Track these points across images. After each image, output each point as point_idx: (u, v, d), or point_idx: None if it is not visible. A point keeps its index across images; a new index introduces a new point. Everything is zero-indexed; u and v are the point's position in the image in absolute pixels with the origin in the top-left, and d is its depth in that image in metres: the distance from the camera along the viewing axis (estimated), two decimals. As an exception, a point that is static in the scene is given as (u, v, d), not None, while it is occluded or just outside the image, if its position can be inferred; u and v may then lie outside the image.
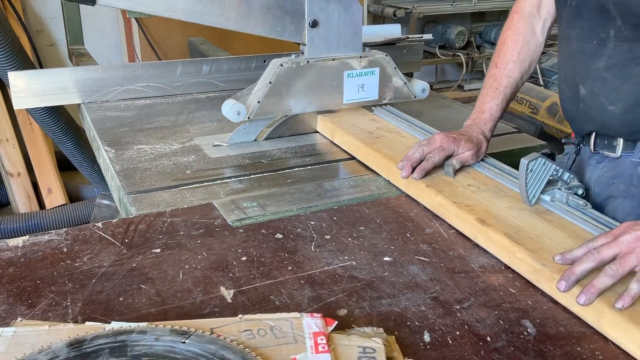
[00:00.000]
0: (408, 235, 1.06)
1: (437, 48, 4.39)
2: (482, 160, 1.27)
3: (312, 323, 0.77)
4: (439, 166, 1.21)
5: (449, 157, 1.22)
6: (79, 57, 2.28)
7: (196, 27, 3.52)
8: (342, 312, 0.84)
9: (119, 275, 0.92)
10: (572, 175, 1.10)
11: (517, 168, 1.11)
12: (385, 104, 1.59)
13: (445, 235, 1.06)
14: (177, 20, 3.46)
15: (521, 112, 3.77)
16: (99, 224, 1.07)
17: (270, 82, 1.41)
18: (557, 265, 0.89)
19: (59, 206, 2.98)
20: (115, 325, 0.75)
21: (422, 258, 0.98)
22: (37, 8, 3.44)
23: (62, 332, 0.75)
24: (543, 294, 0.90)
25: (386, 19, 4.04)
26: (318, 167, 1.36)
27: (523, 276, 0.93)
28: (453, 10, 4.34)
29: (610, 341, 0.80)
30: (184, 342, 0.72)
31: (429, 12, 4.23)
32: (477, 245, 1.02)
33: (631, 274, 0.84)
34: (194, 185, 1.23)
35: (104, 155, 1.39)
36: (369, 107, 1.58)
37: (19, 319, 0.80)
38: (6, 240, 0.99)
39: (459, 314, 0.84)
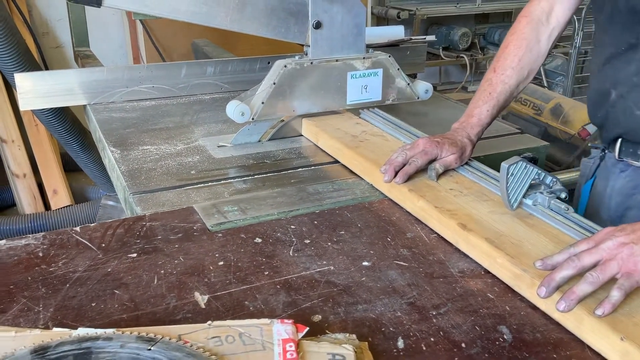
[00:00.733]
0: (389, 239, 1.05)
1: (440, 49, 4.40)
2: (467, 163, 1.26)
3: (282, 329, 0.76)
4: (422, 170, 1.21)
5: (432, 161, 1.21)
6: (84, 59, 2.30)
7: (201, 28, 3.54)
8: (317, 317, 0.84)
9: (93, 280, 0.91)
10: (554, 179, 1.08)
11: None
12: (385, 105, 1.60)
13: (426, 239, 1.05)
14: (182, 22, 3.48)
15: (525, 113, 3.77)
16: (77, 228, 1.05)
17: (274, 83, 1.42)
18: (537, 270, 0.88)
19: (64, 207, 3.00)
20: (82, 331, 0.75)
21: (401, 263, 0.98)
22: (43, 10, 3.46)
23: (28, 339, 0.74)
24: (522, 299, 0.89)
25: (390, 20, 4.05)
26: (322, 166, 1.37)
27: (502, 281, 0.93)
28: (457, 12, 4.34)
29: (588, 347, 0.79)
30: (149, 350, 0.72)
31: (433, 14, 4.24)
32: (457, 250, 1.02)
33: (612, 280, 0.82)
34: (199, 185, 1.24)
35: (109, 156, 1.40)
36: (355, 110, 1.57)
37: None
38: None
39: (434, 320, 0.84)
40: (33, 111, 2.18)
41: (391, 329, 0.82)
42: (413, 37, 2.09)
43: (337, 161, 1.39)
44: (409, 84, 1.59)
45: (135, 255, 0.98)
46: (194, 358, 0.71)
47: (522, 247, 0.96)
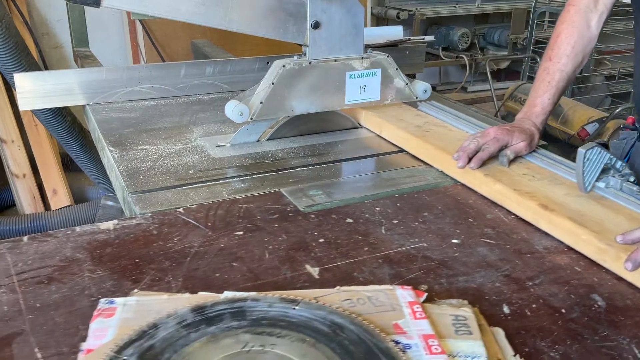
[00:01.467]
0: (471, 220, 1.13)
1: (440, 50, 4.40)
2: (534, 151, 1.33)
3: (405, 294, 0.84)
4: (493, 157, 1.28)
5: (503, 148, 1.28)
6: (84, 59, 2.30)
7: (200, 29, 3.54)
8: (423, 287, 0.90)
9: (210, 254, 0.99)
10: (623, 164, 1.16)
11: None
12: (423, 101, 1.62)
13: (505, 220, 1.13)
14: (182, 23, 3.50)
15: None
16: (181, 209, 1.13)
17: (272, 83, 1.43)
18: (621, 245, 0.97)
19: (64, 207, 3.00)
20: (229, 294, 0.83)
21: (488, 240, 1.06)
22: (43, 11, 3.46)
23: (181, 301, 0.81)
24: (607, 271, 0.97)
25: (389, 21, 4.05)
26: (322, 166, 1.37)
27: (586, 256, 1.01)
28: (456, 12, 4.35)
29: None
30: (295, 309, 0.79)
31: (432, 14, 4.24)
32: (537, 229, 1.09)
33: None
34: (197, 185, 1.25)
35: (108, 156, 1.41)
36: (413, 103, 1.63)
37: (136, 290, 0.87)
38: (97, 224, 1.07)
39: (532, 290, 0.91)
40: (32, 111, 2.19)
41: (494, 297, 0.89)
42: (412, 38, 2.10)
43: (373, 155, 1.47)
44: (407, 84, 1.60)
45: (241, 233, 1.06)
46: (337, 315, 0.78)
47: (603, 224, 1.04)
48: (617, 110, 3.48)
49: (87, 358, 0.72)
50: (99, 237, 1.03)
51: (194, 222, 1.09)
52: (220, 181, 1.27)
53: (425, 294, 0.85)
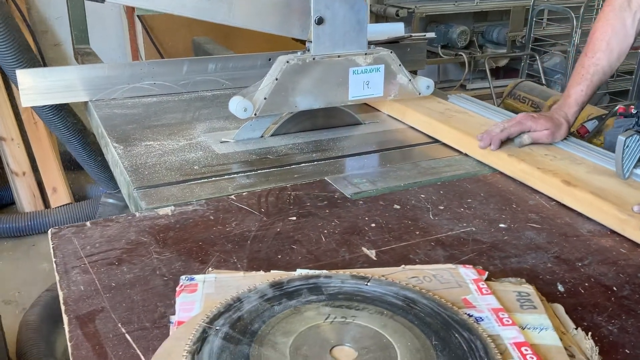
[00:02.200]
0: (514, 206, 1.17)
1: (439, 48, 4.40)
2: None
3: (468, 272, 0.88)
4: (513, 141, 1.34)
5: (524, 132, 1.34)
6: (84, 56, 2.30)
7: (200, 26, 3.54)
8: (478, 267, 0.92)
9: (269, 237, 1.03)
10: None
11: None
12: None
13: (547, 206, 1.17)
14: (181, 20, 3.48)
15: (524, 111, 3.78)
16: (232, 196, 1.17)
17: (276, 79, 1.43)
18: None
19: (64, 205, 3.00)
20: (302, 271, 0.87)
21: (534, 225, 1.10)
22: (42, 9, 3.46)
23: (256, 278, 0.86)
24: None
25: (389, 18, 4.05)
26: (325, 162, 1.37)
27: (629, 239, 1.04)
28: (455, 10, 4.35)
29: None
30: (367, 285, 0.82)
31: (431, 12, 4.24)
32: (580, 214, 1.13)
33: None
34: (202, 181, 1.25)
35: (112, 152, 1.41)
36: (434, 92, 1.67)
37: (210, 268, 0.91)
38: (155, 209, 1.10)
39: (582, 270, 0.95)
40: (34, 108, 2.18)
41: (547, 276, 0.93)
42: (413, 35, 2.10)
43: (399, 147, 1.49)
44: (410, 79, 1.60)
45: (295, 218, 1.10)
46: (409, 291, 0.81)
47: (623, 198, 1.10)
48: (616, 108, 3.48)
49: (180, 329, 0.75)
50: (160, 222, 1.07)
51: (247, 208, 1.13)
52: (225, 177, 1.27)
53: (487, 273, 0.89)
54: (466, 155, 1.41)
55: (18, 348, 2.06)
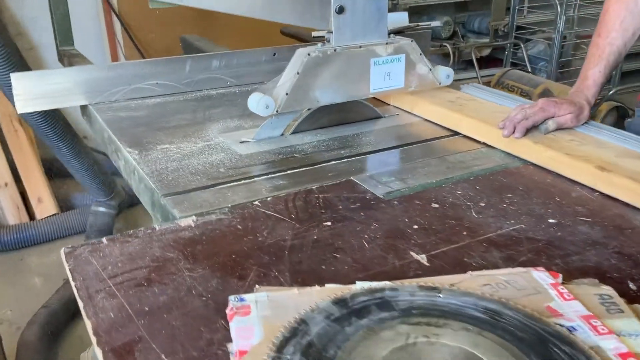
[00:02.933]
0: (557, 199, 1.10)
1: (422, 39, 4.36)
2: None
3: (542, 276, 0.80)
4: (535, 128, 1.30)
5: (549, 118, 1.30)
6: (72, 57, 2.17)
7: (181, 24, 3.43)
8: (551, 270, 0.86)
9: (307, 246, 0.94)
10: None
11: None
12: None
13: (592, 197, 1.12)
14: (160, 19, 3.37)
15: (512, 100, 3.76)
16: (257, 202, 1.07)
17: (298, 73, 1.35)
18: None
19: (51, 216, 2.86)
20: (362, 284, 0.78)
21: (584, 219, 1.03)
22: (15, 9, 3.29)
23: (312, 295, 0.77)
24: None
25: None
26: (350, 160, 1.30)
27: None
28: (437, 1, 4.32)
29: None
30: (440, 296, 0.74)
31: (415, 3, 4.20)
32: (626, 204, 1.08)
33: None
34: (233, 184, 1.16)
35: (126, 157, 1.31)
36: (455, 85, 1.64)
37: (257, 286, 0.82)
38: (176, 221, 1.01)
39: None
40: (23, 115, 2.05)
41: (615, 274, 0.87)
42: (420, 24, 2.04)
43: (424, 140, 1.42)
44: (430, 69, 1.54)
45: (330, 223, 1.01)
46: (486, 301, 0.74)
47: None
48: (610, 93, 3.50)
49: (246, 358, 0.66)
50: (184, 235, 0.97)
51: (276, 214, 1.04)
52: (255, 179, 1.19)
53: (560, 275, 0.81)
54: (490, 147, 1.34)
55: (18, 370, 1.94)
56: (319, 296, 0.76)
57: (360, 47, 1.41)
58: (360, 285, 0.78)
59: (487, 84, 4.09)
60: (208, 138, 1.40)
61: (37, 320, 2.10)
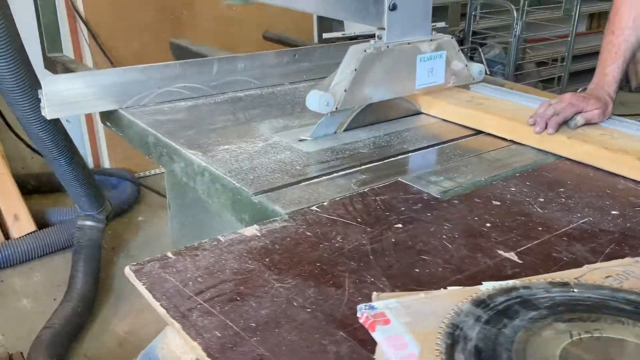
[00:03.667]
0: (609, 191, 1.12)
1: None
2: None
3: None
4: (565, 124, 1.32)
5: (577, 113, 1.32)
6: (67, 64, 2.07)
7: (148, 31, 3.34)
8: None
9: (389, 250, 0.92)
10: None
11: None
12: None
13: (637, 188, 1.14)
14: (129, 26, 3.30)
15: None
16: (315, 207, 1.04)
17: (355, 70, 1.35)
18: None
19: (29, 234, 2.69)
20: (491, 284, 0.77)
21: None
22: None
23: (441, 297, 0.76)
24: None
25: (334, 21, 4.03)
26: (433, 148, 1.32)
27: None
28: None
29: None
30: (574, 291, 0.74)
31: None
32: None
33: None
34: (320, 179, 1.15)
35: (189, 159, 1.26)
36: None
37: (375, 294, 0.79)
38: (239, 230, 0.96)
39: None
40: (23, 125, 1.92)
41: None
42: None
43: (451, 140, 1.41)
44: (466, 65, 1.58)
45: (401, 225, 0.99)
46: (622, 292, 0.74)
47: None
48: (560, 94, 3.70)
49: None
50: (254, 245, 0.92)
51: (340, 219, 1.00)
52: (333, 174, 1.18)
53: None
54: (518, 144, 1.35)
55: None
56: (449, 299, 0.74)
57: (409, 43, 1.44)
58: (490, 285, 0.77)
59: (450, 86, 4.21)
60: (264, 138, 1.38)
61: (43, 342, 1.97)
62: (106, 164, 3.53)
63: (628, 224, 1.00)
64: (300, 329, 0.73)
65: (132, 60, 3.26)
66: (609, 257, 0.89)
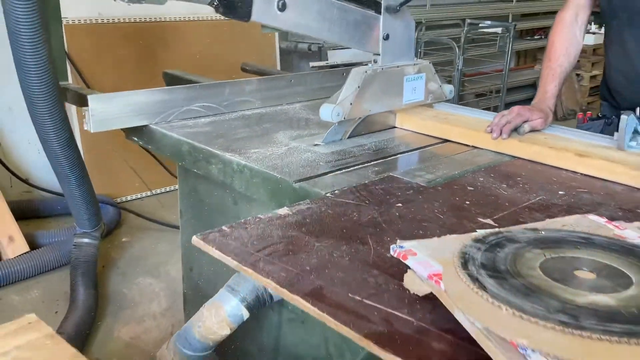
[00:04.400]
0: (555, 179, 1.41)
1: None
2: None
3: (596, 218, 1.09)
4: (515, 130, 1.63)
5: (524, 122, 1.62)
6: (78, 90, 2.27)
7: (127, 67, 3.56)
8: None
9: (396, 220, 1.15)
10: None
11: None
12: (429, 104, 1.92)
13: (576, 177, 1.44)
14: (112, 62, 3.59)
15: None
16: (328, 194, 1.26)
17: (358, 87, 1.66)
18: None
19: (24, 254, 2.82)
20: (482, 232, 0.99)
21: (582, 190, 1.35)
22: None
23: (450, 240, 0.97)
24: None
25: (301, 53, 4.37)
26: (414, 152, 1.63)
27: None
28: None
29: None
30: (543, 233, 0.99)
31: (337, 46, 4.65)
32: (603, 179, 1.41)
33: None
34: (343, 171, 1.43)
35: (227, 160, 1.51)
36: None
37: (398, 240, 0.95)
38: (275, 210, 1.17)
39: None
40: (44, 141, 2.10)
41: (617, 219, 1.11)
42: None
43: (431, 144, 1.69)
44: (440, 85, 1.92)
45: (400, 204, 1.22)
46: (579, 233, 1.00)
47: (629, 162, 1.40)
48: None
49: (445, 276, 0.85)
50: (289, 220, 1.14)
51: (352, 201, 1.23)
52: (351, 168, 1.46)
53: (604, 217, 1.09)
54: (478, 148, 1.63)
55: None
56: (456, 241, 0.95)
57: (397, 67, 1.76)
58: (483, 231, 1.00)
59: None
60: (284, 144, 1.65)
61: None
62: (85, 190, 3.67)
63: (572, 200, 1.28)
64: (344, 269, 0.95)
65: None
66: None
